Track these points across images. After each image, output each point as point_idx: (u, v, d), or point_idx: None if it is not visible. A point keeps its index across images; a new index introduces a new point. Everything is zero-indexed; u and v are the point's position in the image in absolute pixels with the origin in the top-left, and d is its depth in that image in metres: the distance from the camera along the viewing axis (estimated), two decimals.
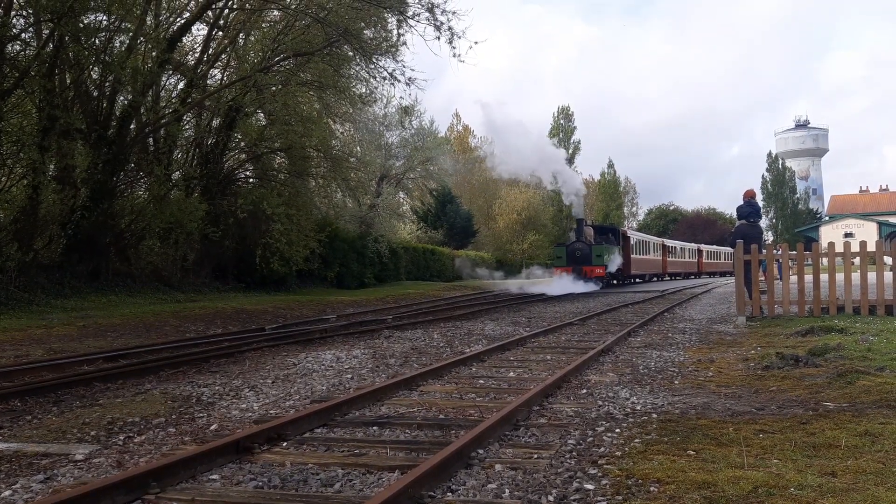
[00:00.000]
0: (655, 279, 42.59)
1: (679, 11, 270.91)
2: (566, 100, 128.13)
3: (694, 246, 55.65)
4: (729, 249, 55.19)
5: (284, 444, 4.71)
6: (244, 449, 4.43)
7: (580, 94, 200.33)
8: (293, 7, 19.67)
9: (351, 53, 20.74)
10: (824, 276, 12.71)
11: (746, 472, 3.86)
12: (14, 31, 16.69)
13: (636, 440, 4.66)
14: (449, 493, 3.72)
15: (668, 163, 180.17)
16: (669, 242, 48.09)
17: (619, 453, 4.36)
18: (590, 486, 3.76)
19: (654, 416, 5.40)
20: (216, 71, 23.42)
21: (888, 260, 12.79)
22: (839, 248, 12.53)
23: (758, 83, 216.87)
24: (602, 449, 4.49)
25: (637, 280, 38.60)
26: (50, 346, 10.63)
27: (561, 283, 28.36)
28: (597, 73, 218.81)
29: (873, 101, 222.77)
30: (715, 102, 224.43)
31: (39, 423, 5.65)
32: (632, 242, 36.07)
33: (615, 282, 33.14)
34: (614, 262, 31.92)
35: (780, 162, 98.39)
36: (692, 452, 4.33)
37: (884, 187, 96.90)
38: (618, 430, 4.95)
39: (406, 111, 21.93)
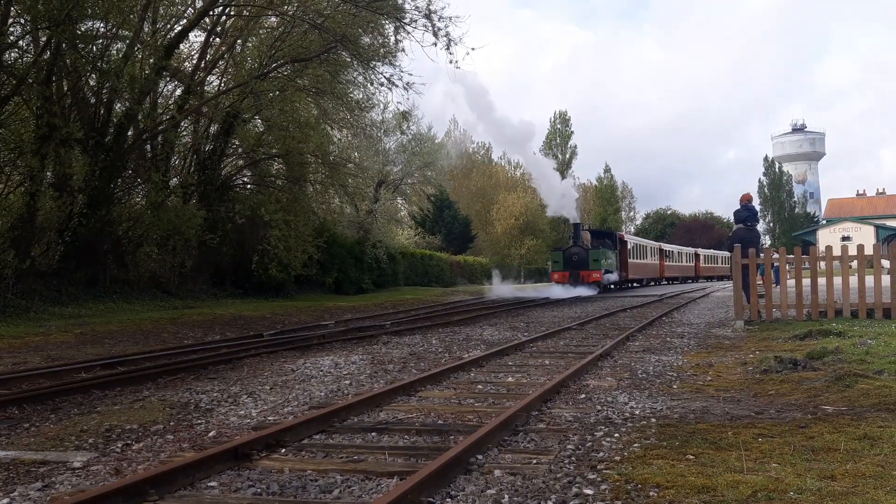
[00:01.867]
0: (653, 283, 42.61)
1: (673, 16, 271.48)
2: (561, 104, 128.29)
3: (691, 250, 55.79)
4: (726, 253, 55.42)
5: (283, 450, 4.70)
6: (242, 456, 4.42)
7: (575, 99, 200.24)
8: (291, 14, 19.70)
9: (348, 59, 20.78)
10: (822, 280, 12.73)
11: (746, 477, 3.86)
12: (11, 38, 16.68)
13: (635, 445, 4.66)
14: (448, 499, 3.71)
15: (664, 167, 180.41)
16: (667, 246, 48.17)
17: (618, 458, 4.36)
18: (589, 491, 3.76)
19: (653, 420, 5.40)
20: (213, 77, 23.47)
21: (886, 263, 12.80)
22: (836, 252, 12.55)
23: (753, 87, 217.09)
24: (601, 454, 4.48)
25: (634, 284, 38.60)
26: (48, 353, 10.61)
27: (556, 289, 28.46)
28: (592, 77, 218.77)
29: (869, 105, 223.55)
30: (710, 106, 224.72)
31: (37, 431, 5.63)
32: (629, 247, 36.07)
33: (612, 286, 33.09)
34: (612, 266, 31.88)
35: (777, 166, 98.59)
36: (691, 457, 4.33)
37: (881, 191, 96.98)
38: (617, 435, 4.95)
39: (404, 116, 21.95)
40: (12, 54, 17.26)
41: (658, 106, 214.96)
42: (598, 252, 30.46)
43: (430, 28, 18.58)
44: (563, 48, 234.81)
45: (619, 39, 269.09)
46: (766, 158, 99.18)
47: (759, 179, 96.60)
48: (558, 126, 74.18)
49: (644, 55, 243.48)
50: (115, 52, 18.88)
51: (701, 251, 57.81)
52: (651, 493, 3.67)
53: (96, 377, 8.08)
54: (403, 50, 19.71)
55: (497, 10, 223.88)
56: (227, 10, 20.69)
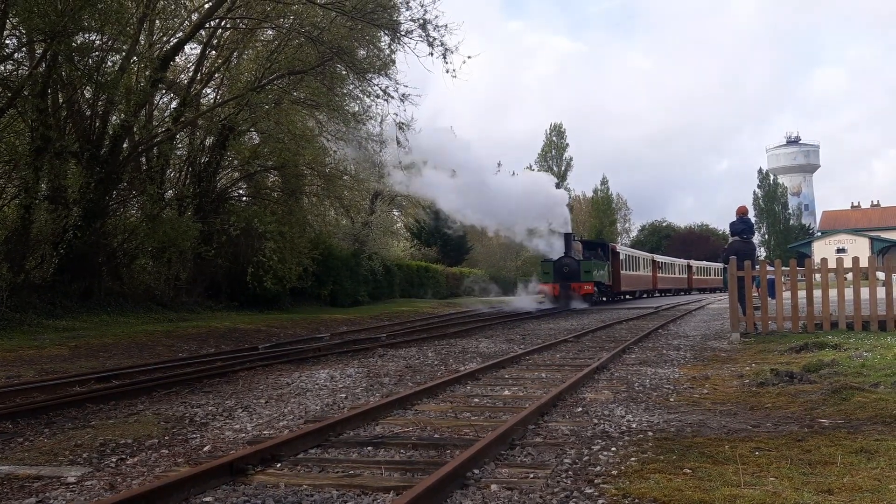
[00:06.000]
0: (645, 295, 42.47)
1: (663, 27, 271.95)
2: (552, 115, 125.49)
3: (684, 262, 55.89)
4: (718, 265, 55.40)
5: (278, 465, 4.68)
6: (238, 470, 4.40)
7: (566, 110, 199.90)
8: (286, 26, 19.75)
9: (344, 72, 20.82)
10: (817, 292, 12.74)
11: (743, 491, 3.85)
12: (7, 50, 16.69)
13: (632, 458, 4.65)
14: None
15: (657, 178, 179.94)
16: (659, 258, 48.16)
17: (615, 472, 4.35)
18: None
19: (650, 434, 5.39)
20: (209, 90, 23.47)
21: (881, 275, 12.84)
22: (832, 264, 12.58)
23: (744, 97, 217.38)
24: (598, 468, 4.47)
25: (627, 297, 38.31)
26: (42, 366, 10.55)
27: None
28: (582, 88, 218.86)
29: (860, 115, 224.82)
30: (702, 117, 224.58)
31: (31, 446, 5.60)
32: (621, 258, 35.81)
33: (604, 298, 32.80)
34: (603, 277, 31.60)
35: (772, 178, 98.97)
36: (688, 471, 4.32)
37: (875, 203, 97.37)
38: (614, 449, 4.94)
39: (400, 128, 21.97)
40: (8, 66, 17.26)
41: (649, 116, 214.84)
42: (590, 263, 30.03)
43: (426, 38, 18.63)
44: (552, 58, 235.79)
45: (608, 49, 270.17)
46: (760, 170, 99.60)
47: (754, 192, 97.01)
48: (553, 138, 74.35)
49: (634, 66, 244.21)
50: (110, 64, 18.88)
51: (693, 263, 57.91)
52: None
53: (91, 391, 8.04)
54: (394, 62, 19.74)
55: (486, 20, 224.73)
56: (222, 23, 20.74)
